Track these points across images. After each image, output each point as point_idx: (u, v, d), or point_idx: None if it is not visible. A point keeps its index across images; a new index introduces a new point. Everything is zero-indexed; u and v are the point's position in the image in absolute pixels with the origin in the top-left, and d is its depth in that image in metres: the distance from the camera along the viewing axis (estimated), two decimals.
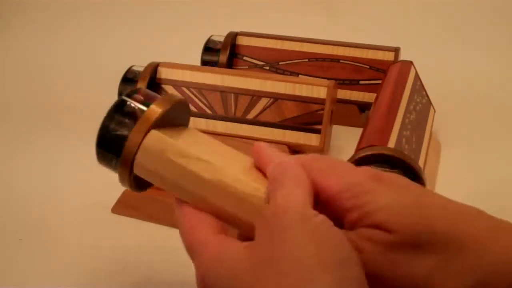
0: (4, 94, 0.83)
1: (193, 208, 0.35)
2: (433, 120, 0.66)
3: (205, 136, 0.38)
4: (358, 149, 0.51)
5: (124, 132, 0.37)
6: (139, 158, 0.36)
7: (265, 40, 0.77)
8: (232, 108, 0.66)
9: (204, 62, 0.77)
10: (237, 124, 0.66)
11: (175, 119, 0.38)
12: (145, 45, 0.99)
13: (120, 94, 0.68)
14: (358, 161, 0.48)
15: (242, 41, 0.77)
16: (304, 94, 0.64)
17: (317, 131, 0.63)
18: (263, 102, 0.65)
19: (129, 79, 0.68)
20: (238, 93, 0.66)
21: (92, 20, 1.08)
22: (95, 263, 0.50)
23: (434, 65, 0.91)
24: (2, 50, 0.98)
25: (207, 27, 0.86)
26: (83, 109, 0.78)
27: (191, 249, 0.34)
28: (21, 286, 0.48)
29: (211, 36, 0.78)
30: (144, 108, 0.37)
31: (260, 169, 0.35)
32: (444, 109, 0.73)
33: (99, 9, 1.10)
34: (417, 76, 0.66)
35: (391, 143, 0.51)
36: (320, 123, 0.63)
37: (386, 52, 0.73)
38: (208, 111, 0.66)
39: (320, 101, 0.63)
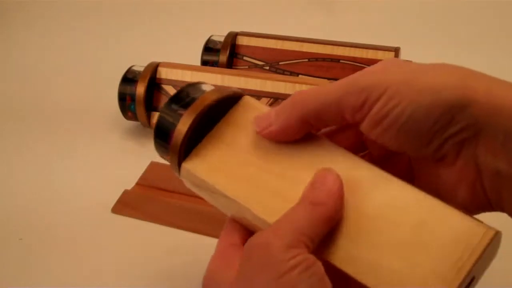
0: (4, 94, 0.83)
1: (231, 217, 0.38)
2: None
3: (254, 147, 0.37)
4: None
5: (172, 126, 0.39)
6: (182, 176, 0.39)
7: (265, 40, 0.77)
8: None
9: (204, 62, 0.77)
10: None
11: (223, 107, 0.39)
12: (145, 45, 0.99)
13: (120, 94, 0.68)
14: None
15: (242, 41, 0.77)
16: None
17: None
18: (263, 102, 0.65)
19: (129, 79, 0.68)
20: None
21: (92, 20, 1.08)
22: (95, 263, 0.50)
23: None
24: (1, 50, 0.98)
25: (207, 27, 0.86)
26: (83, 109, 0.78)
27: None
28: (21, 286, 0.48)
29: (211, 36, 0.78)
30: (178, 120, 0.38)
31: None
32: None
33: (99, 9, 1.10)
34: None
35: None
36: None
37: (386, 52, 0.73)
38: None
39: None
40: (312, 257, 0.30)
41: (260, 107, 0.39)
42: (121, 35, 1.02)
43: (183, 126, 0.37)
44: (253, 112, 0.38)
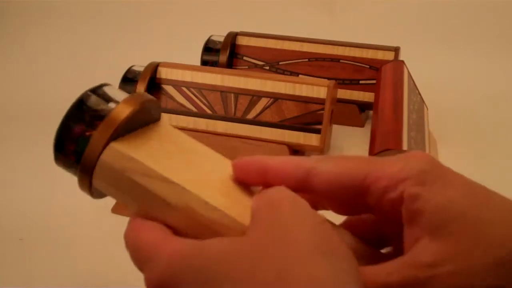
0: (4, 95, 0.83)
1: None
2: (427, 118, 0.66)
3: (181, 138, 0.33)
4: (374, 153, 0.51)
5: (85, 135, 0.32)
6: (97, 173, 0.31)
7: (265, 40, 0.77)
8: (232, 108, 0.66)
9: (204, 62, 0.77)
10: (237, 124, 0.66)
11: (146, 118, 0.33)
12: (145, 45, 0.99)
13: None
14: None
15: (242, 41, 0.77)
16: (304, 94, 0.64)
17: (317, 131, 0.63)
18: (263, 102, 0.65)
19: (129, 79, 0.68)
20: (238, 93, 0.66)
21: (92, 20, 1.08)
22: (95, 263, 0.50)
23: (435, 64, 0.91)
24: (1, 50, 0.98)
25: (207, 27, 0.86)
26: None
27: (139, 253, 0.31)
28: (21, 286, 0.48)
29: (211, 36, 0.78)
30: (112, 106, 0.32)
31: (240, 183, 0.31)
32: (449, 108, 0.73)
33: (100, 9, 1.10)
34: (409, 75, 0.67)
35: (404, 146, 0.51)
36: (320, 123, 0.63)
37: (386, 52, 0.73)
38: (208, 111, 0.66)
39: (320, 101, 0.63)
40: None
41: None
42: (121, 35, 1.02)
43: (124, 107, 0.31)
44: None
